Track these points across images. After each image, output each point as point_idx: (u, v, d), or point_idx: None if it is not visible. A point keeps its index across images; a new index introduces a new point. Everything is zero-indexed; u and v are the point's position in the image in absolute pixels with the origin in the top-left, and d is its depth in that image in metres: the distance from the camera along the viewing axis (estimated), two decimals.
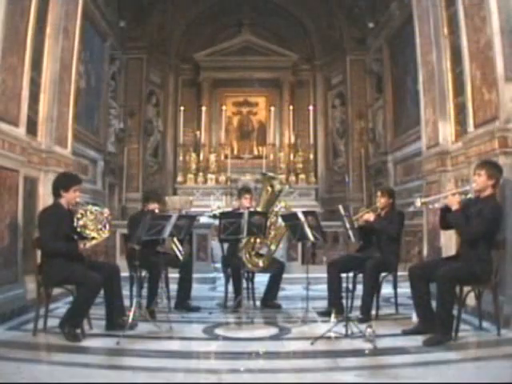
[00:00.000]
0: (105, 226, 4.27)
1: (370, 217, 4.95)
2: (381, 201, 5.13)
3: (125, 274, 5.12)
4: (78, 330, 3.98)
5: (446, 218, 4.22)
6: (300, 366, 3.45)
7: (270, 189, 5.27)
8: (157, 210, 5.27)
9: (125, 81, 12.39)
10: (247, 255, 5.14)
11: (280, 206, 5.28)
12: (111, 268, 4.45)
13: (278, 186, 5.26)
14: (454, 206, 4.09)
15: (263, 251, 5.36)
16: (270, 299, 5.41)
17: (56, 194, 4.32)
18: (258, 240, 5.22)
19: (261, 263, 5.21)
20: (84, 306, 4.06)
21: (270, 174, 5.78)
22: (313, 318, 4.75)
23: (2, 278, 4.65)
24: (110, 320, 4.25)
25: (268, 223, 5.11)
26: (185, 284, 5.32)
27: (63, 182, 4.35)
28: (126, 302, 5.07)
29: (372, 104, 12.54)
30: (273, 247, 5.29)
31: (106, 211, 4.36)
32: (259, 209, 5.24)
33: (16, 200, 4.93)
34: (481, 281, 4.06)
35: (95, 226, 4.25)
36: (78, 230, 4.20)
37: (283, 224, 5.12)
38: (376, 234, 5.03)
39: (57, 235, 4.12)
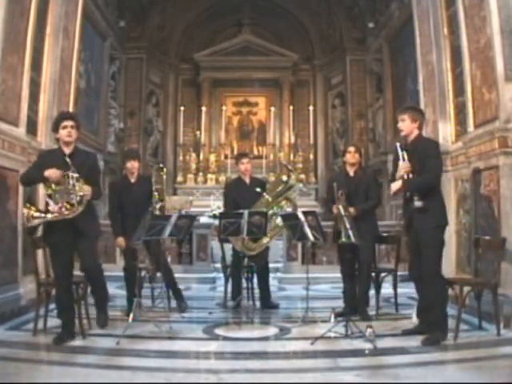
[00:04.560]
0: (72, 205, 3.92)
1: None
2: (355, 156, 5.08)
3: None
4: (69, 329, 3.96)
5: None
6: (300, 366, 3.45)
7: (284, 179, 5.29)
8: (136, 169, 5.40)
9: (125, 81, 12.38)
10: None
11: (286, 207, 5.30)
12: (91, 268, 4.22)
13: (291, 181, 5.28)
14: (399, 188, 4.11)
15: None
16: (266, 300, 5.41)
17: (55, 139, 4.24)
18: None
19: (255, 247, 5.18)
20: (57, 302, 4.08)
21: (290, 167, 5.81)
22: (313, 318, 4.75)
23: (2, 278, 4.65)
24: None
25: (270, 212, 5.12)
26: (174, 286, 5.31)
27: (52, 126, 4.22)
28: (126, 302, 5.10)
29: (372, 104, 12.52)
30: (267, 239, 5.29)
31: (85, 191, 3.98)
32: (267, 196, 5.23)
33: (16, 200, 4.93)
34: None
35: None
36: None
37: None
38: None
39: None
